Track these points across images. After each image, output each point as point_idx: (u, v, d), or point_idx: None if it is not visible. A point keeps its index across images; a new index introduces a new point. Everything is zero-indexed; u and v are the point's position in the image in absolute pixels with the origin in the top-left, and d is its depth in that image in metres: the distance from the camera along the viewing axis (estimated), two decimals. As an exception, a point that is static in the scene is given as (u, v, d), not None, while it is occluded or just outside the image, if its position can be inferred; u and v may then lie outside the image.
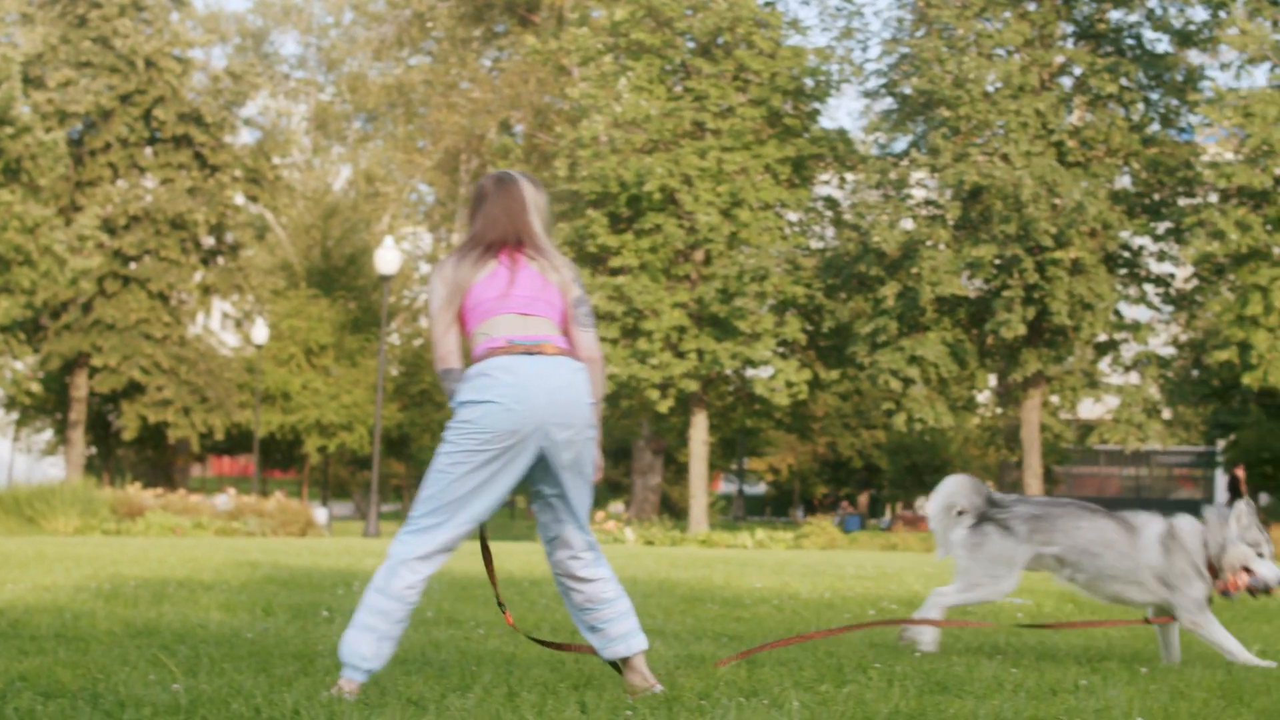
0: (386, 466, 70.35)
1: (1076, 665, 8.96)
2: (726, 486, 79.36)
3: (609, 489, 68.05)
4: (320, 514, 48.53)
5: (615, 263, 45.23)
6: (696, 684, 7.59)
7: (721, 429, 52.74)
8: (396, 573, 7.20)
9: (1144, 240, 45.07)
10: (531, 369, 7.24)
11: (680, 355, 45.54)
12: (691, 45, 47.03)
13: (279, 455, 68.27)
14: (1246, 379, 39.91)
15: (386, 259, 43.79)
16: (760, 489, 79.65)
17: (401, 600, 7.19)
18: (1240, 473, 48.09)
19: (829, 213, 48.20)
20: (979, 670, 8.49)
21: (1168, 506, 61.86)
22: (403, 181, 67.95)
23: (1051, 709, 6.89)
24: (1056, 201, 41.35)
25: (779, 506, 76.32)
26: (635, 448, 53.78)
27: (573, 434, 7.20)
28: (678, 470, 63.24)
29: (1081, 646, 10.30)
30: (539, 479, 7.34)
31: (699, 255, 46.30)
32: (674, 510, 61.87)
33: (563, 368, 7.27)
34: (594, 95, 45.96)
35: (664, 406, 45.69)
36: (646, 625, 11.05)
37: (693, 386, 45.51)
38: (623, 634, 7.34)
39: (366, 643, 7.12)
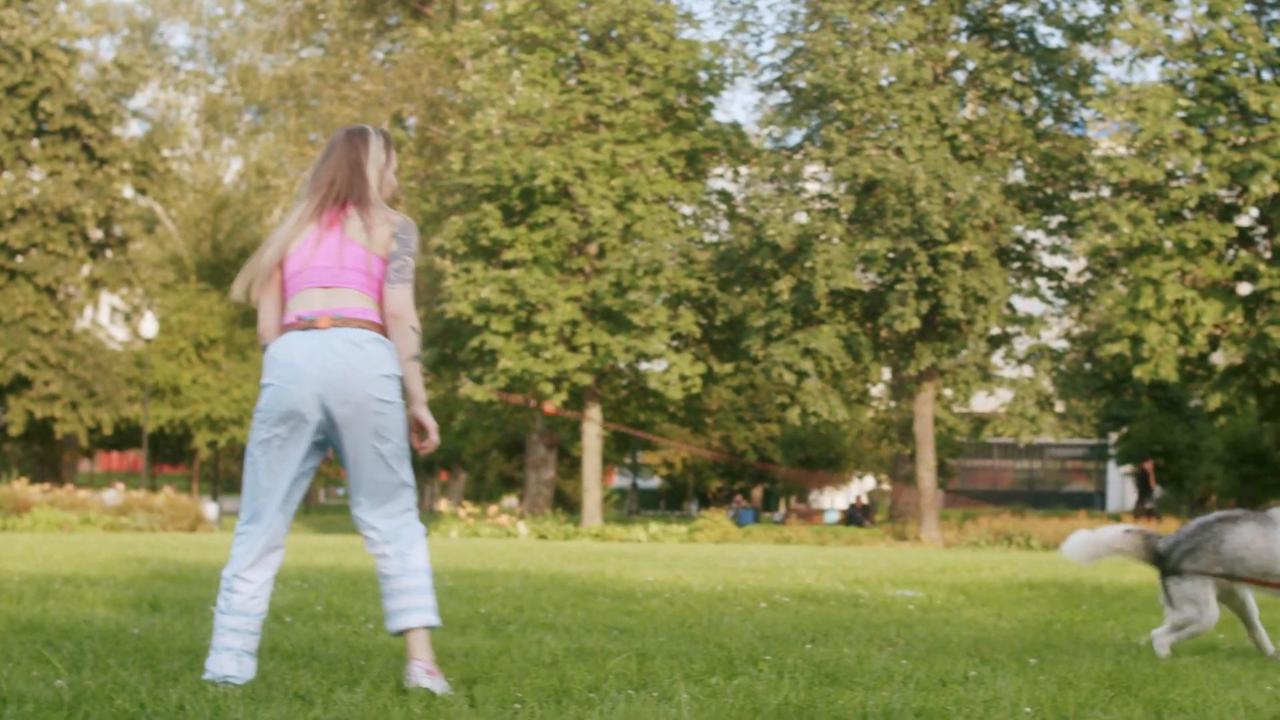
0: (278, 461, 69.80)
1: (967, 657, 8.96)
2: (620, 480, 79.38)
3: (502, 483, 67.90)
4: (210, 509, 48.12)
5: (508, 256, 45.08)
6: (586, 676, 7.58)
7: (615, 422, 52.62)
8: (233, 589, 7.15)
9: (1037, 234, 45.33)
10: (303, 345, 7.15)
11: (574, 349, 45.45)
12: (585, 38, 46.93)
13: (169, 450, 67.74)
14: (1138, 372, 40.21)
15: (277, 252, 43.43)
16: (654, 483, 79.67)
17: (248, 613, 7.16)
18: (1149, 467, 48.47)
19: (723, 206, 48.24)
20: (870, 662, 8.49)
21: (1061, 499, 62.55)
22: (294, 174, 67.24)
23: (941, 700, 6.87)
24: (950, 195, 41.51)
25: (673, 500, 76.40)
26: (529, 442, 53.63)
27: (353, 409, 7.09)
28: (571, 464, 63.14)
29: (972, 639, 10.30)
30: (339, 455, 7.27)
31: (593, 249, 46.22)
32: (568, 504, 61.79)
33: (336, 339, 7.13)
34: (487, 88, 45.77)
35: (558, 400, 45.58)
36: (538, 619, 11.08)
37: (586, 380, 45.43)
38: (400, 609, 7.21)
39: (227, 663, 7.09)
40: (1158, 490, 63.22)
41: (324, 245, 7.26)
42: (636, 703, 6.70)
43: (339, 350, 7.08)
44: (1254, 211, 41.50)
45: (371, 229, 7.24)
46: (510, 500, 64.28)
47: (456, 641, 9.29)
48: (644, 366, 47.61)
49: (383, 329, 7.26)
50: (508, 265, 45.68)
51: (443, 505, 49.38)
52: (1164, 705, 6.90)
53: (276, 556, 7.29)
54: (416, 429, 7.35)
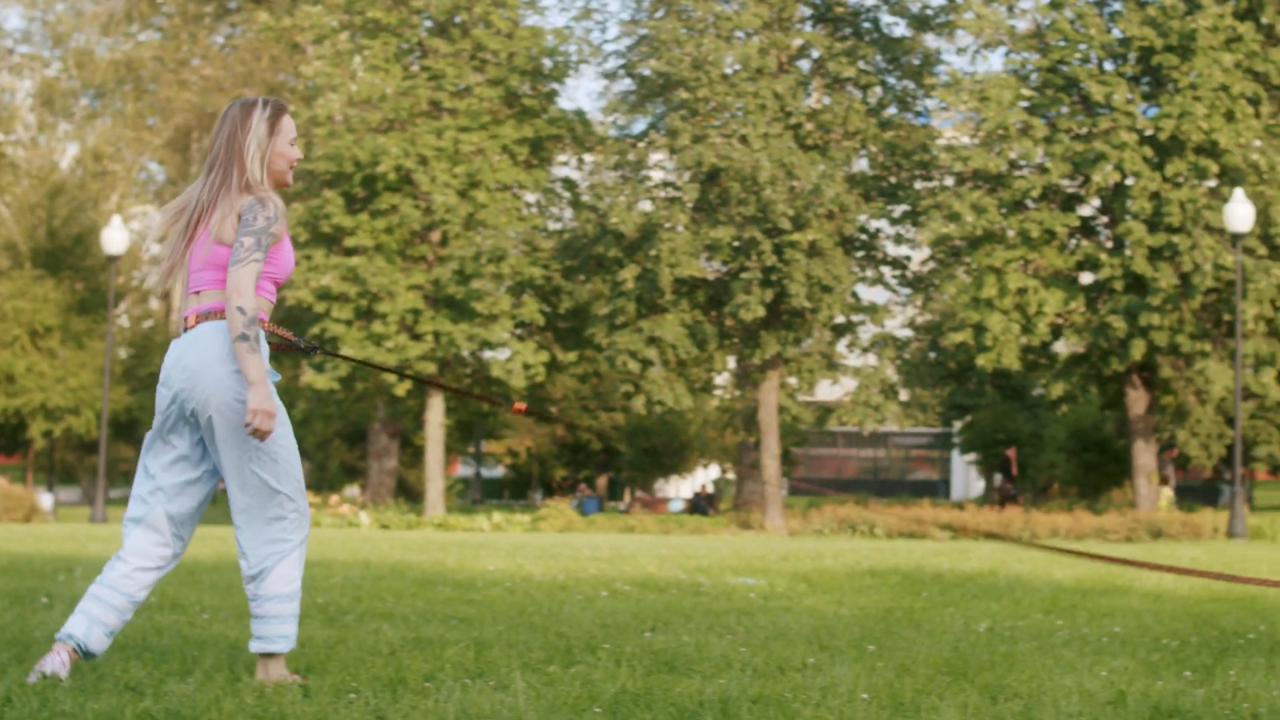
0: (115, 451, 68.85)
1: (806, 644, 8.93)
2: (464, 469, 79.06)
3: (344, 472, 67.41)
4: (45, 499, 47.30)
5: (350, 243, 44.66)
6: (423, 666, 7.58)
7: (458, 411, 52.37)
8: (112, 566, 7.27)
9: (881, 223, 45.53)
10: (174, 348, 7.16)
11: (416, 338, 45.15)
12: (429, 24, 46.58)
13: (2, 440, 66.63)
14: (981, 361, 40.50)
15: (114, 239, 43.05)
16: (498, 472, 79.48)
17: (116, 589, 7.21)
18: (1012, 454, 48.72)
19: (567, 194, 48.09)
20: (708, 649, 8.49)
21: (906, 488, 63.02)
22: (132, 160, 66.46)
23: (778, 687, 6.84)
24: (794, 184, 41.62)
25: (517, 489, 76.25)
26: (371, 431, 53.29)
27: (200, 403, 7.08)
28: (414, 453, 62.74)
29: (812, 627, 10.30)
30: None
31: (435, 236, 45.91)
32: (410, 494, 61.35)
33: (194, 337, 7.16)
34: (329, 74, 45.33)
35: (401, 390, 45.28)
36: (376, 609, 11.16)
37: (430, 369, 45.14)
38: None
39: (77, 623, 7.08)
40: (998, 479, 63.85)
41: (196, 246, 7.27)
42: (472, 692, 6.68)
43: (194, 345, 7.14)
44: (1096, 201, 41.93)
45: (224, 220, 7.18)
46: (352, 490, 63.81)
47: None
48: (487, 355, 47.38)
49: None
50: (349, 252, 45.26)
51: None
52: (1000, 691, 6.93)
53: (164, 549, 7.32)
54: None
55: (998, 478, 51.25)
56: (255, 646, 7.13)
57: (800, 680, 7.11)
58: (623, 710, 6.38)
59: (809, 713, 6.26)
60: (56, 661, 6.86)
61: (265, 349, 7.11)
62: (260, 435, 6.95)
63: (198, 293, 7.19)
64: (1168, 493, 40.87)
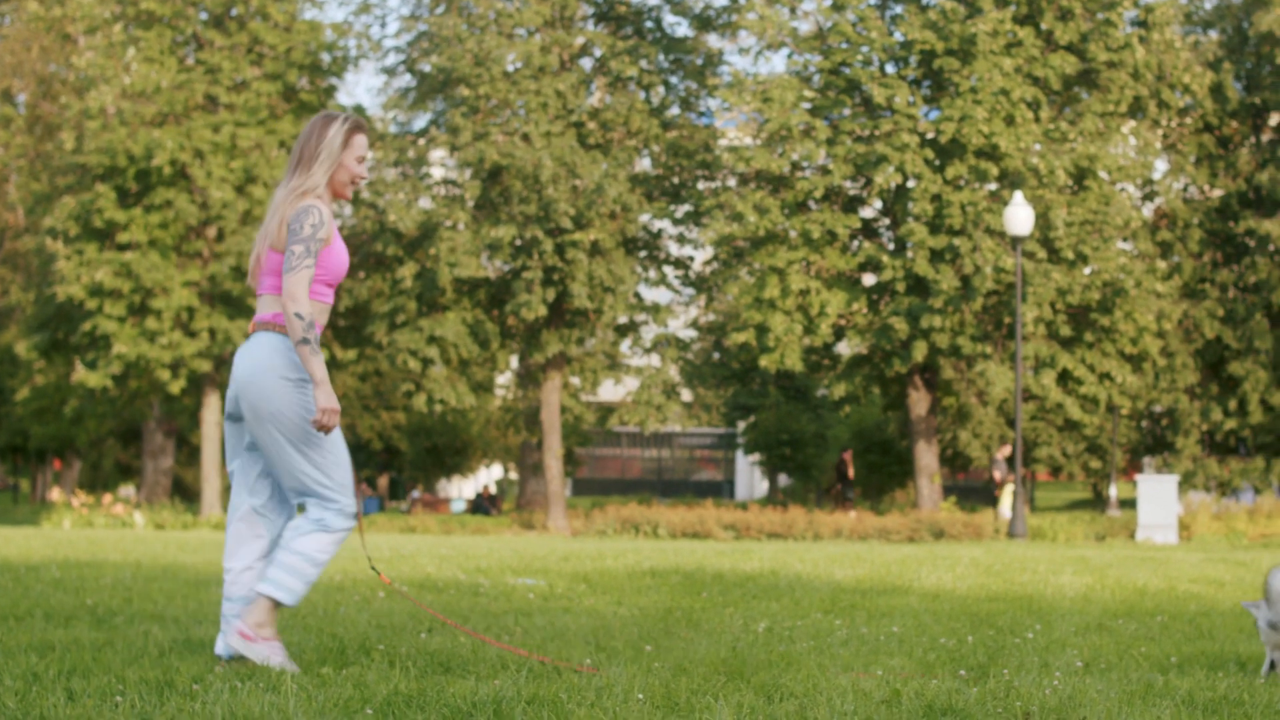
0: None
1: (584, 645, 8.82)
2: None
3: (119, 471, 66.38)
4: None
5: (123, 238, 43.77)
6: (192, 668, 7.42)
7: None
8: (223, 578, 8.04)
9: (664, 223, 45.65)
10: (238, 352, 7.76)
11: (191, 335, 44.45)
12: (204, 16, 45.87)
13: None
14: (764, 361, 40.66)
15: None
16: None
17: (230, 598, 7.83)
18: (848, 456, 48.78)
19: (346, 190, 47.59)
20: (484, 650, 8.36)
21: (689, 488, 63.20)
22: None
23: (554, 687, 6.73)
24: (577, 183, 41.56)
25: (297, 490, 75.50)
26: (146, 430, 52.49)
27: (247, 405, 7.61)
28: (190, 453, 61.93)
29: (591, 627, 10.21)
30: None
31: (211, 232, 45.23)
32: (187, 494, 60.58)
33: (248, 346, 7.71)
34: (101, 65, 44.43)
35: (176, 387, 44.56)
36: (147, 610, 11.02)
37: (205, 367, 44.47)
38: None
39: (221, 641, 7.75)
40: (783, 479, 64.28)
41: (258, 249, 7.80)
42: (242, 694, 6.57)
43: (245, 352, 7.69)
44: (878, 203, 42.36)
45: (280, 227, 7.62)
46: (127, 489, 62.73)
47: (59, 634, 8.98)
48: (265, 353, 46.75)
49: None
50: (122, 248, 44.42)
51: (55, 495, 47.94)
52: (776, 690, 6.89)
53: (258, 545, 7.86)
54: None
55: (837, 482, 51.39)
56: (261, 587, 7.58)
57: (576, 681, 7.01)
58: (395, 712, 6.31)
59: (583, 713, 6.18)
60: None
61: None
62: (326, 430, 7.45)
63: (259, 297, 7.73)
64: (1009, 490, 40.66)
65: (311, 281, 7.54)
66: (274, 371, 7.49)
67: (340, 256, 7.81)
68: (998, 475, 40.67)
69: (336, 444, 7.73)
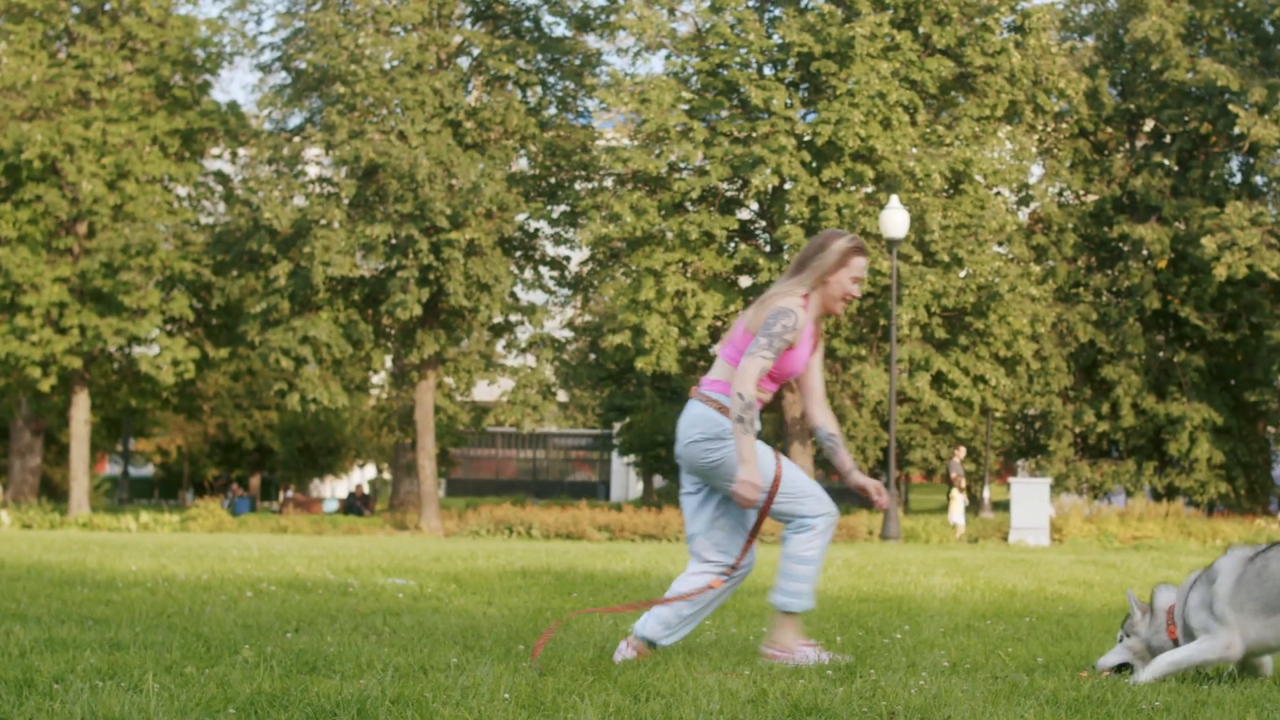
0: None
1: (452, 645, 8.78)
2: (112, 468, 77.45)
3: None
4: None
5: (-8, 233, 43.41)
6: (53, 667, 7.31)
7: (105, 408, 51.13)
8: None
9: (540, 223, 45.56)
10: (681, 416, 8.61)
11: (62, 331, 43.97)
12: (76, 11, 45.44)
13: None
14: (640, 363, 40.63)
15: None
16: (148, 471, 78.02)
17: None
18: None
19: (220, 188, 47.31)
20: (352, 650, 8.33)
21: (565, 489, 63.06)
22: None
23: (419, 687, 6.69)
24: (453, 182, 41.42)
25: (168, 489, 74.92)
26: (13, 428, 51.86)
27: (686, 466, 8.50)
28: (59, 451, 61.27)
29: (460, 627, 10.17)
30: None
31: (82, 228, 44.78)
32: (55, 493, 59.89)
33: (687, 405, 8.52)
34: (-29, 59, 43.96)
35: (45, 385, 44.06)
36: (8, 610, 10.93)
37: (75, 364, 43.99)
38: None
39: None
40: (658, 480, 64.35)
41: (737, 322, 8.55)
42: (103, 693, 6.48)
43: (684, 412, 8.52)
44: (754, 205, 42.46)
45: (759, 313, 8.33)
46: (-8, 489, 61.98)
47: None
48: (136, 350, 46.35)
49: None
50: (-9, 243, 43.95)
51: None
52: (642, 690, 6.87)
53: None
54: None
55: None
56: (773, 602, 8.49)
57: (443, 680, 6.97)
58: (258, 711, 6.23)
59: (448, 713, 6.12)
60: (627, 650, 8.29)
61: (757, 427, 8.16)
62: (746, 505, 8.09)
63: (716, 358, 8.48)
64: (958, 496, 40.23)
65: (764, 373, 8.20)
66: (696, 439, 8.35)
67: (795, 362, 8.40)
68: (954, 476, 40.46)
69: (789, 475, 8.42)
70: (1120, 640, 8.04)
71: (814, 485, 8.48)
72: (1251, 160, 46.57)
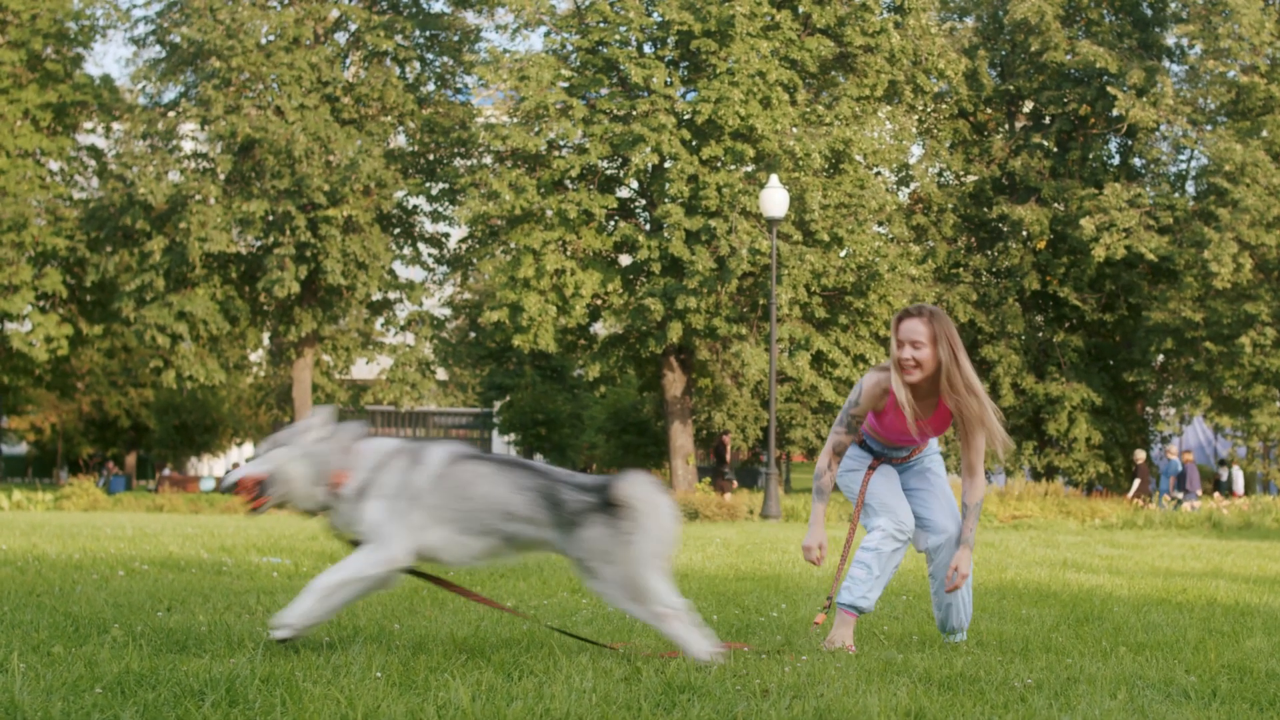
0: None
1: (326, 625, 8.67)
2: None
3: None
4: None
5: None
6: None
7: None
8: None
9: (419, 200, 45.35)
10: None
11: (-68, 305, 43.45)
12: (-54, -19, 44.81)
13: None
14: (518, 341, 40.54)
15: None
16: (21, 449, 77.21)
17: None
18: (727, 439, 48.33)
19: (93, 163, 46.77)
20: (224, 629, 8.20)
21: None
22: None
23: (289, 666, 6.59)
24: (330, 158, 41.17)
25: (42, 467, 74.15)
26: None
27: None
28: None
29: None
30: None
31: (-47, 203, 44.22)
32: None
33: None
34: None
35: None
36: None
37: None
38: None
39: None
40: (539, 458, 64.28)
41: None
42: None
43: None
44: (634, 183, 42.42)
45: None
46: None
47: None
48: (8, 327, 45.78)
49: None
50: None
51: None
52: (515, 668, 6.83)
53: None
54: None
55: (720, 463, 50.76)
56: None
57: (314, 659, 6.88)
58: (125, 690, 6.10)
59: (318, 691, 6.05)
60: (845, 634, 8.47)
61: (824, 493, 8.77)
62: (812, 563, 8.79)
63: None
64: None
65: (837, 445, 8.72)
66: None
67: (892, 429, 8.69)
68: None
69: (872, 488, 8.80)
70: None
71: (890, 502, 8.76)
72: (1130, 142, 47.04)
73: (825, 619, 8.97)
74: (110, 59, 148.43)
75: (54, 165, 46.50)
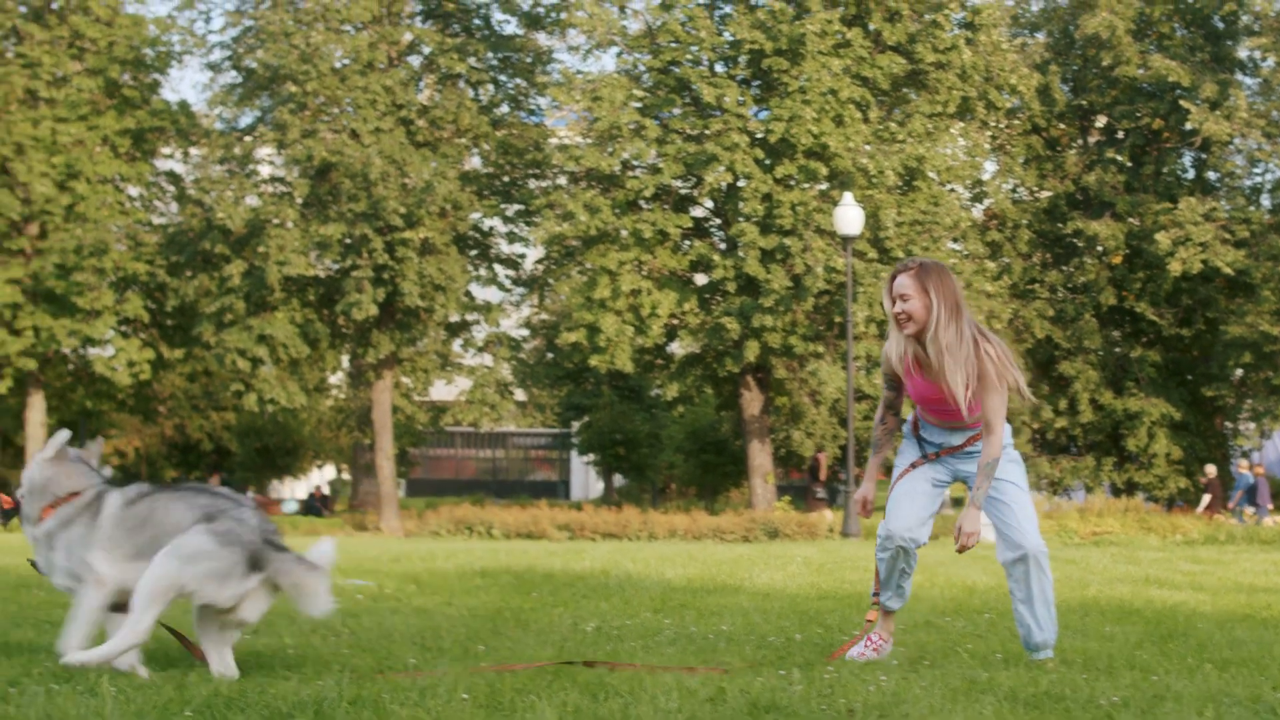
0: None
1: (410, 645, 8.74)
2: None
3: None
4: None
5: (-58, 234, 43.24)
6: (9, 671, 7.28)
7: (61, 410, 50.82)
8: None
9: (495, 221, 45.46)
10: None
11: (15, 333, 43.77)
12: (24, 10, 45.15)
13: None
14: (594, 361, 40.64)
15: None
16: (106, 473, 77.55)
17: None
18: (821, 458, 48.16)
19: (172, 188, 47.10)
20: (310, 651, 8.28)
21: (525, 488, 62.78)
22: None
23: (375, 687, 6.65)
24: (406, 181, 41.31)
25: (126, 492, 74.47)
26: (-32, 431, 51.60)
27: None
28: (15, 454, 60.91)
29: (419, 628, 10.13)
30: None
31: (34, 228, 44.55)
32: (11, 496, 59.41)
33: None
34: (-81, 59, 43.74)
35: (1, 387, 43.90)
36: None
37: (30, 365, 43.81)
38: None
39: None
40: (619, 479, 64.29)
41: None
42: (59, 697, 6.41)
43: None
44: (709, 203, 42.42)
45: None
46: (-52, 494, 61.41)
47: None
48: (91, 352, 46.13)
49: None
50: (-59, 244, 43.76)
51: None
52: (600, 689, 6.86)
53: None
54: None
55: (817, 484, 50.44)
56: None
57: (399, 681, 6.93)
58: (215, 713, 6.22)
59: (405, 713, 6.10)
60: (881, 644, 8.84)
61: (876, 448, 9.10)
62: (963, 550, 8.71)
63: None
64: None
65: (884, 400, 9.01)
66: None
67: (913, 389, 8.76)
68: None
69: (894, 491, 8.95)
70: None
71: (893, 507, 8.84)
72: (1204, 156, 46.68)
73: (876, 617, 8.95)
74: (187, 84, 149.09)
75: (133, 191, 46.82)
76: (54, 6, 44.96)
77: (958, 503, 49.16)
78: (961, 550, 8.52)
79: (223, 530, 7.37)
